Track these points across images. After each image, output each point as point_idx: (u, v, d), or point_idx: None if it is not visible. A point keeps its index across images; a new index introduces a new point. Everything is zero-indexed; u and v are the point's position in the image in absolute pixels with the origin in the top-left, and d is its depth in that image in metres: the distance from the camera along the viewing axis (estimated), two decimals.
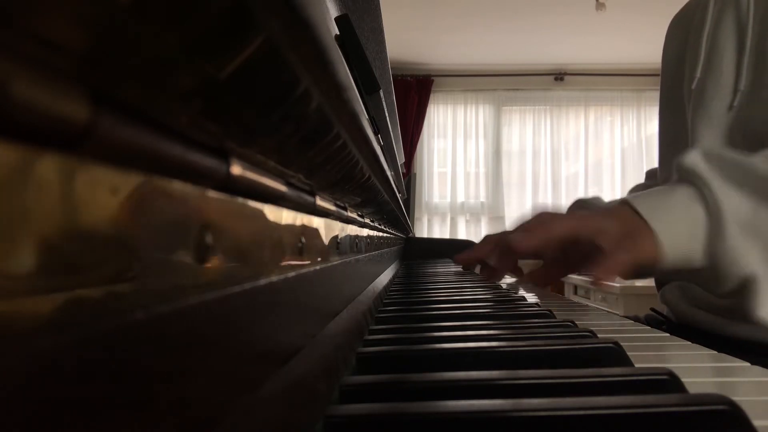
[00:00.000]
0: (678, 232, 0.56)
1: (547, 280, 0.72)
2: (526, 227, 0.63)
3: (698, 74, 0.77)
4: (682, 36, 0.85)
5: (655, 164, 0.93)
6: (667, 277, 0.82)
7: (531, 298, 0.66)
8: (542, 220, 0.62)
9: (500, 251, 0.68)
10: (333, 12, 0.39)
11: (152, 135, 0.12)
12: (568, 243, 0.61)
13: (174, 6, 0.11)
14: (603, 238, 0.58)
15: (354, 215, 0.45)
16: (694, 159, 0.59)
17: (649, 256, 0.56)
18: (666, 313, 0.84)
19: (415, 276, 1.02)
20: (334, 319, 0.35)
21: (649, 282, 0.94)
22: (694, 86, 0.78)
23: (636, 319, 0.85)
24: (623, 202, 0.61)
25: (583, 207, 0.90)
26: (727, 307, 0.69)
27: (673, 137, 0.86)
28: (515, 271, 0.89)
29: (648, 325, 0.64)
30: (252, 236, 0.20)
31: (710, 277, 0.57)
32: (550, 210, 0.66)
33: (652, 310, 0.88)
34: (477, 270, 0.94)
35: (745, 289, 0.55)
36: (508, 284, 0.88)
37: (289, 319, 0.25)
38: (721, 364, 0.36)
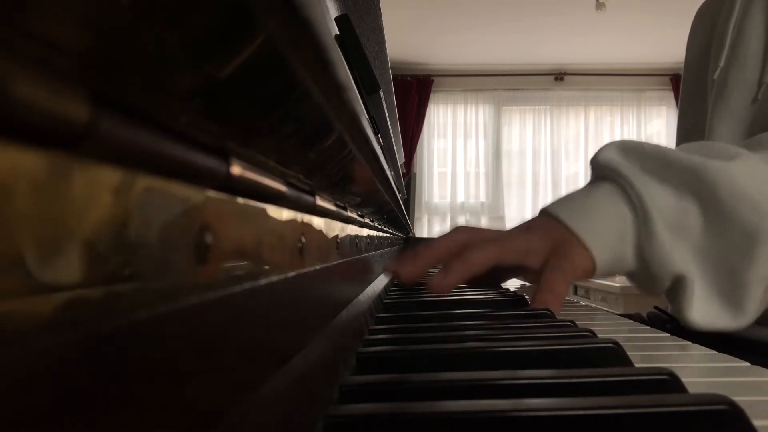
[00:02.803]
0: (607, 235, 0.52)
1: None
2: (444, 265, 0.55)
3: (722, 64, 0.73)
4: (709, 25, 0.80)
5: None
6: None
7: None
8: (460, 251, 0.55)
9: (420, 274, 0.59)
10: (333, 12, 0.39)
11: (152, 135, 0.12)
12: (492, 269, 0.55)
13: (174, 6, 0.11)
14: (531, 259, 0.53)
15: (354, 215, 0.45)
16: (609, 154, 0.55)
17: (583, 268, 0.52)
18: (670, 310, 0.83)
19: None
20: (334, 319, 0.35)
21: None
22: (716, 76, 0.73)
23: (638, 316, 0.84)
24: (542, 212, 0.56)
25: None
26: None
27: (690, 131, 0.83)
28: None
29: (651, 322, 0.63)
30: (252, 236, 0.20)
31: (643, 279, 0.54)
32: (465, 228, 0.59)
33: (656, 308, 0.88)
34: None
35: (676, 290, 0.52)
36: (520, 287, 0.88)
37: (289, 319, 0.25)
38: (721, 364, 0.36)
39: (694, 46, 0.85)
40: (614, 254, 0.52)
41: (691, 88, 0.84)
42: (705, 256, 0.51)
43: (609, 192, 0.53)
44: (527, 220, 0.60)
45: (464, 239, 0.56)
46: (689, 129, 0.84)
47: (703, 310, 0.51)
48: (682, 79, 0.89)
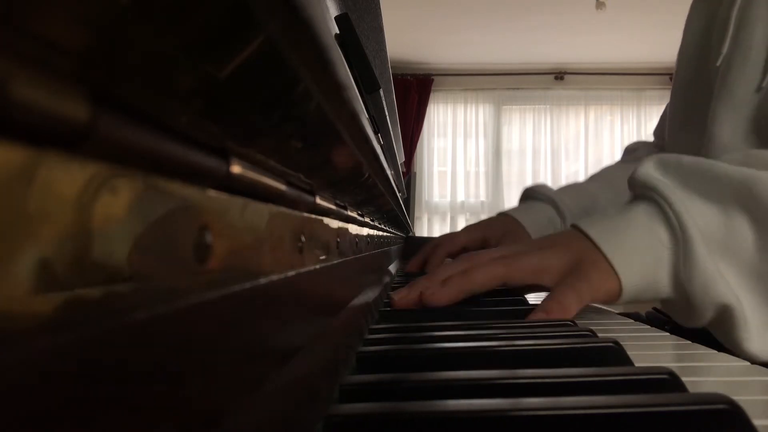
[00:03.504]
0: (638, 257, 0.47)
1: None
2: (444, 276, 0.51)
3: (725, 50, 0.68)
4: (707, 12, 0.76)
5: None
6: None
7: (531, 297, 0.66)
8: (464, 266, 0.51)
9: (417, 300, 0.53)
10: (333, 12, 0.39)
11: (152, 135, 0.12)
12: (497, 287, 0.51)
13: (174, 6, 0.11)
14: (545, 278, 0.49)
15: (354, 214, 0.45)
16: (647, 170, 0.50)
17: (606, 290, 0.47)
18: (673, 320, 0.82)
19: (415, 275, 1.02)
20: (334, 319, 0.35)
21: None
22: (719, 63, 0.69)
23: (637, 316, 0.84)
24: (572, 227, 0.52)
25: (531, 197, 0.81)
26: None
27: (684, 121, 0.79)
28: None
29: (649, 323, 0.62)
30: (252, 236, 0.20)
31: (682, 309, 0.49)
32: (469, 255, 0.54)
33: (654, 309, 0.87)
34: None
35: (724, 321, 0.46)
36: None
37: (289, 318, 0.25)
38: (721, 363, 0.36)
39: (692, 33, 0.81)
40: (646, 279, 0.48)
41: (688, 77, 0.81)
42: (758, 277, 0.45)
43: (645, 211, 0.48)
44: (552, 234, 0.55)
45: (467, 263, 0.52)
46: (687, 118, 0.79)
47: (764, 338, 0.45)
48: (675, 68, 0.84)
